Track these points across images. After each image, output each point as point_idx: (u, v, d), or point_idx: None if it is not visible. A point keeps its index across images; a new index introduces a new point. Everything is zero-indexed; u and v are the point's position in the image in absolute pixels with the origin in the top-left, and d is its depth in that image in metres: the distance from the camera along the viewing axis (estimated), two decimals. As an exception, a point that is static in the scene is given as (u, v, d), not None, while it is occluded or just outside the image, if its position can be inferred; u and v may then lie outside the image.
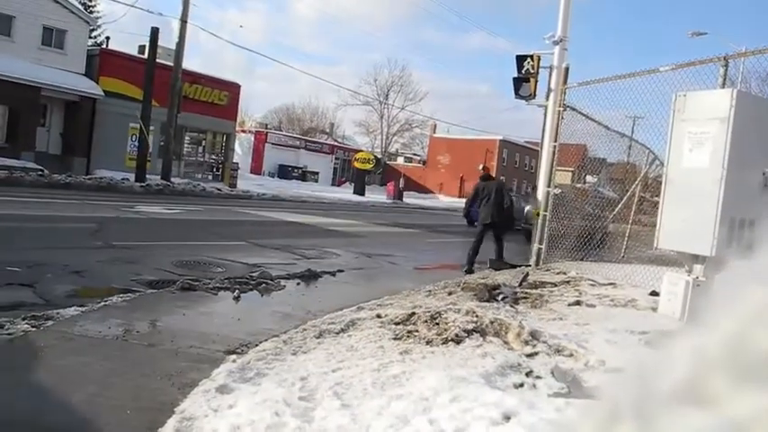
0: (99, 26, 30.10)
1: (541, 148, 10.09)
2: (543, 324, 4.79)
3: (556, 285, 6.98)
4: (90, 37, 26.18)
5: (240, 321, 4.89)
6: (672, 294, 4.85)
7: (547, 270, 8.55)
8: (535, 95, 9.81)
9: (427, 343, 4.13)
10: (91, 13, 29.30)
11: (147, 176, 20.98)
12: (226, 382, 3.24)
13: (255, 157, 42.04)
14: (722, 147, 4.54)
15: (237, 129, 34.29)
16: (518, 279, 7.34)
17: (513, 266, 8.94)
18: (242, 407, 2.87)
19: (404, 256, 10.32)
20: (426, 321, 4.54)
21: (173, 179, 22.11)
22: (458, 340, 4.14)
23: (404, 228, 17.09)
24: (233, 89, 29.16)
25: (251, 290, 5.98)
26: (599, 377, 3.47)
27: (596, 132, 9.13)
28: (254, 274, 6.57)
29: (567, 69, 9.63)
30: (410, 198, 38.78)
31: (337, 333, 4.42)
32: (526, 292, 6.31)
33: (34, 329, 4.02)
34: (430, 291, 6.60)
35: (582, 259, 9.02)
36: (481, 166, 9.92)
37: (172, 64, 21.98)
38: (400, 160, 57.55)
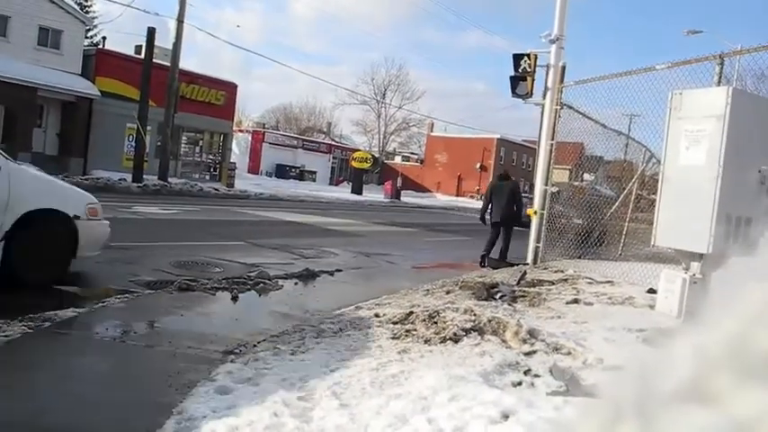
0: (95, 26, 29.97)
1: (538, 147, 10.11)
2: (541, 322, 4.80)
3: (554, 283, 6.99)
4: (86, 37, 26.11)
5: (238, 322, 4.89)
6: (669, 292, 4.85)
7: (545, 268, 8.57)
8: (532, 94, 9.79)
9: (425, 342, 4.14)
10: (87, 13, 29.18)
11: (145, 177, 20.94)
12: (224, 382, 3.24)
13: (253, 156, 41.99)
14: (718, 144, 4.55)
15: (235, 128, 34.22)
16: (516, 277, 7.35)
17: (512, 265, 8.95)
18: (241, 407, 2.87)
19: (402, 255, 10.33)
20: (424, 320, 4.55)
21: (170, 179, 22.08)
22: (456, 339, 4.15)
23: (401, 227, 17.08)
24: (230, 89, 29.12)
25: (249, 290, 5.97)
26: (597, 375, 3.48)
27: (593, 130, 9.15)
28: (251, 274, 6.57)
29: (563, 68, 9.64)
30: (408, 197, 38.76)
31: (335, 333, 4.42)
32: (524, 291, 6.32)
33: (32, 331, 4.01)
34: (428, 290, 6.60)
35: (579, 257, 9.04)
36: (502, 171, 10.45)
37: (168, 64, 21.93)
38: (398, 159, 57.53)
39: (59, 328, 4.17)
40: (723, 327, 0.89)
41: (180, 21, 21.49)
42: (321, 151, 47.78)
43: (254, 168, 40.84)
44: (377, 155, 48.44)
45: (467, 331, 4.26)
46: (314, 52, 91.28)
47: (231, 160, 29.40)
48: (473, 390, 3.15)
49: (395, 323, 4.62)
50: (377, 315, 5.04)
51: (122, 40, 47.99)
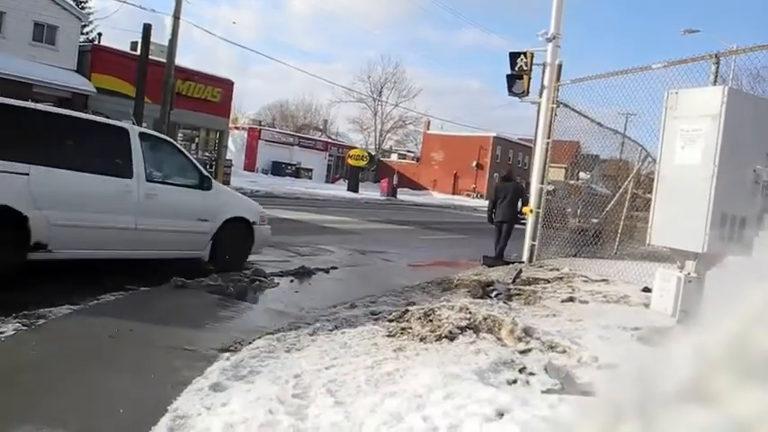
0: (91, 22, 29.86)
1: (535, 145, 10.10)
2: (536, 320, 4.81)
3: (549, 282, 7.00)
4: (82, 33, 26.00)
5: (233, 319, 4.88)
6: (664, 290, 4.86)
7: (540, 267, 8.57)
8: (528, 92, 9.78)
9: (421, 340, 4.14)
10: (82, 8, 28.99)
11: (140, 174, 20.83)
12: (219, 380, 3.23)
13: (249, 153, 41.89)
14: (714, 144, 4.56)
15: (231, 125, 34.15)
16: (511, 276, 7.36)
17: (507, 263, 8.97)
18: (235, 405, 2.86)
19: (397, 252, 10.33)
20: (420, 318, 4.55)
21: (166, 176, 21.97)
22: (451, 337, 4.15)
23: (397, 225, 17.09)
24: (226, 86, 29.05)
25: (245, 287, 5.96)
26: (592, 373, 3.49)
27: (589, 129, 9.17)
28: (247, 272, 6.56)
29: (560, 66, 9.62)
30: (404, 195, 38.78)
31: (331, 330, 4.42)
32: (519, 289, 6.33)
33: (26, 328, 3.99)
34: (423, 288, 6.61)
35: (575, 255, 9.06)
36: (506, 173, 10.66)
37: (165, 60, 21.83)
38: (394, 157, 57.49)
39: (54, 325, 4.15)
40: (723, 327, 0.89)
41: (176, 17, 21.36)
42: (317, 149, 47.70)
43: (250, 166, 40.73)
44: (373, 152, 48.38)
45: (462, 329, 4.26)
46: (311, 50, 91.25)
47: (227, 157, 29.35)
48: (468, 388, 3.15)
49: (390, 321, 4.62)
50: (372, 313, 5.04)
51: (118, 36, 48.02)
